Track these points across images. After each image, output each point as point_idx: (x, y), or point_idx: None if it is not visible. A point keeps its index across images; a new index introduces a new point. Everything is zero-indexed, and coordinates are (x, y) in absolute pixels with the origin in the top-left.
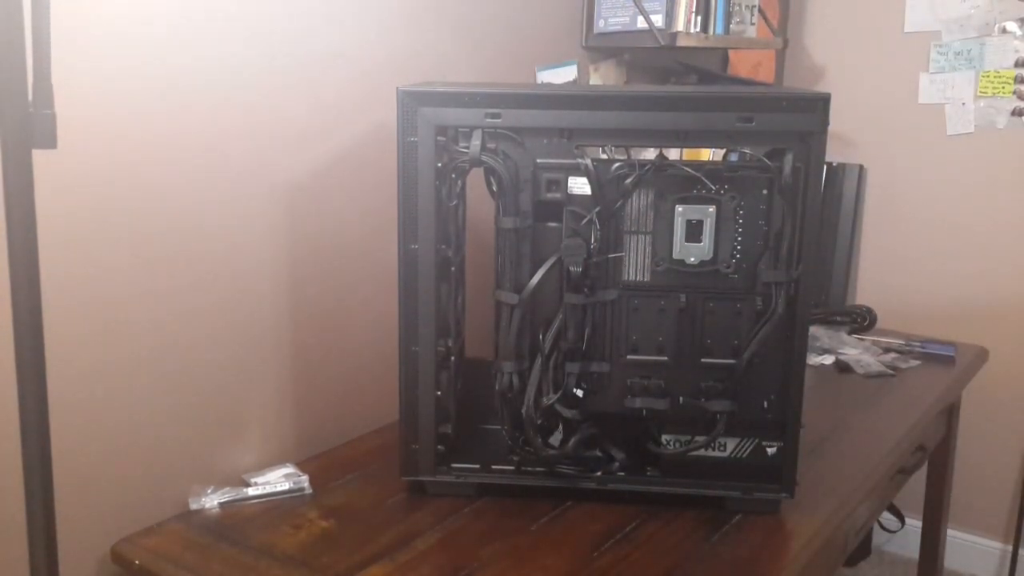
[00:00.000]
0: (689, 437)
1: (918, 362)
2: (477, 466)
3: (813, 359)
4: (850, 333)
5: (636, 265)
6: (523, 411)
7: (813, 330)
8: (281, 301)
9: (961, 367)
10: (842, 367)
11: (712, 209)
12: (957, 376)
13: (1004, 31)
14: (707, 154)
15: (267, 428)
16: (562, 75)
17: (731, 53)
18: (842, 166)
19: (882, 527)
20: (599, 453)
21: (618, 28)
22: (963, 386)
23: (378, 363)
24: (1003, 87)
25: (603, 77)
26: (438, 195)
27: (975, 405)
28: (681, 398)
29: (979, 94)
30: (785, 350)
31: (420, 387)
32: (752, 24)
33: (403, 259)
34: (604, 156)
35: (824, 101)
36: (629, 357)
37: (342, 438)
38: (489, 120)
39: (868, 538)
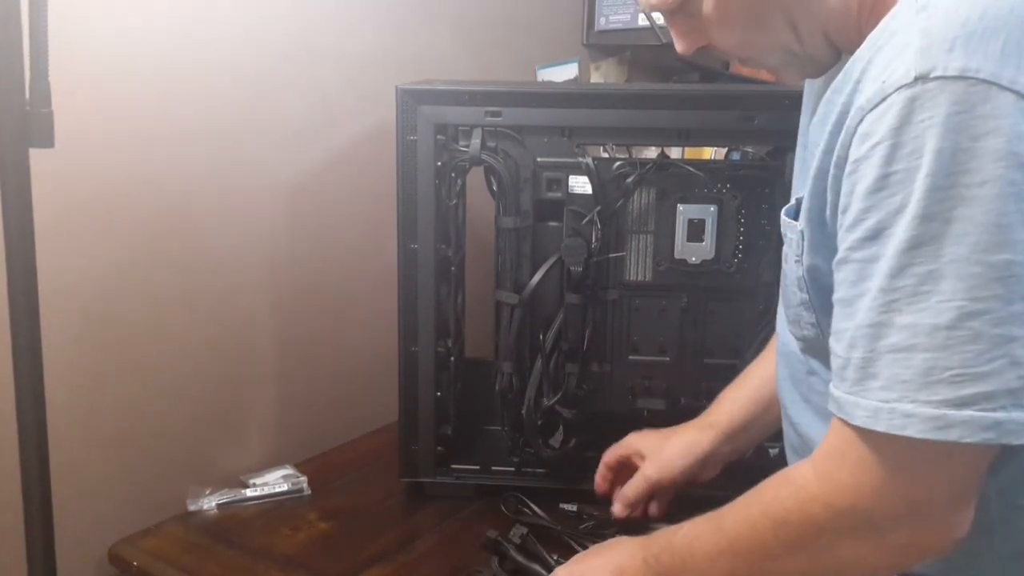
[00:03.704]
0: None
1: None
2: (477, 467)
3: None
4: None
5: (637, 265)
6: (523, 411)
7: None
8: (280, 301)
9: None
10: None
11: (714, 208)
12: None
13: None
14: (709, 153)
15: (265, 429)
16: (563, 73)
17: None
18: None
19: None
20: (599, 454)
21: (619, 26)
22: None
23: (377, 363)
24: None
25: (604, 75)
26: (438, 194)
27: None
28: (683, 399)
29: None
30: None
31: (420, 387)
32: None
33: (403, 259)
34: (605, 155)
35: None
36: (630, 357)
37: (341, 439)
38: (489, 118)
39: None
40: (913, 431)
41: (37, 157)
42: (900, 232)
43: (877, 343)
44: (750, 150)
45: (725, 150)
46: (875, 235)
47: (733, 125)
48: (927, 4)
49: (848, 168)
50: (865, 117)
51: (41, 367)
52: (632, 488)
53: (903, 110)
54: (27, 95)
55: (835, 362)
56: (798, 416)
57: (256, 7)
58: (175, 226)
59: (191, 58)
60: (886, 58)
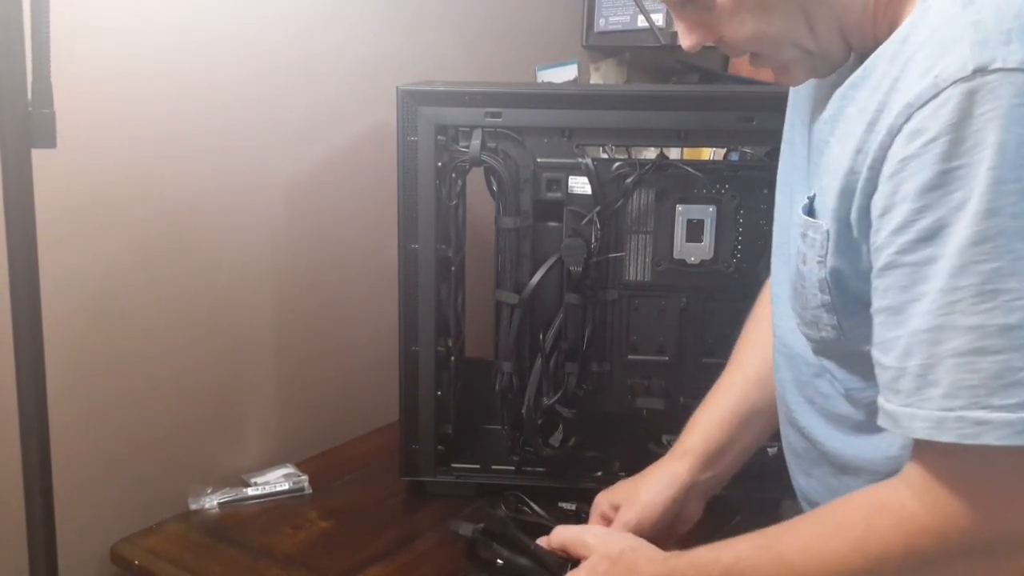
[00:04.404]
0: None
1: None
2: (477, 466)
3: None
4: None
5: (637, 265)
6: (523, 411)
7: None
8: (281, 300)
9: None
10: None
11: (713, 209)
12: None
13: None
14: (708, 153)
15: (267, 428)
16: (562, 74)
17: None
18: None
19: None
20: (599, 453)
21: (619, 27)
22: None
23: (378, 363)
24: None
25: (604, 76)
26: (438, 195)
27: None
28: (682, 398)
29: None
30: None
31: (420, 387)
32: None
33: (403, 259)
34: (604, 155)
35: None
36: (630, 357)
37: (342, 438)
38: (489, 119)
39: None
40: (991, 438)
41: (39, 157)
42: (962, 229)
43: (937, 348)
44: (748, 151)
45: (724, 151)
46: (932, 235)
47: (732, 126)
48: None
49: (890, 168)
50: (914, 114)
51: (43, 367)
52: None
53: (962, 103)
54: (29, 96)
55: (885, 374)
56: (804, 420)
57: (257, 8)
58: (176, 226)
59: (192, 59)
60: (932, 53)
